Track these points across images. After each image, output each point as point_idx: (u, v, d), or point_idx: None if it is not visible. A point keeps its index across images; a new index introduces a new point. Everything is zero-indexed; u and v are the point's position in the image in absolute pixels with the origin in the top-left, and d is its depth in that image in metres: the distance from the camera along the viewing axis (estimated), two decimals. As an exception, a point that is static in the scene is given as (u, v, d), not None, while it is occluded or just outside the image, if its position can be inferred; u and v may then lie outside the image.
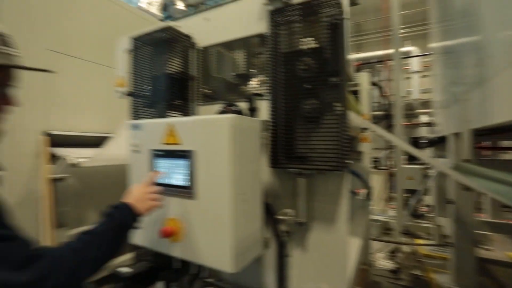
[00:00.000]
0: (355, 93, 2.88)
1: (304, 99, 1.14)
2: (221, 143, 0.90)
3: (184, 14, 6.12)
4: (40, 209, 2.64)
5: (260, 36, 1.34)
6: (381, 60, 6.60)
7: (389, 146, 5.01)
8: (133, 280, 1.36)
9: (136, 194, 0.94)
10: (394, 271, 3.40)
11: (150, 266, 1.43)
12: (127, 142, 2.53)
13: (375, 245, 3.76)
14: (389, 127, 3.89)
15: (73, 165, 2.61)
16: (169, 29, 1.37)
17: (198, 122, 0.96)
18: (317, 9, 1.11)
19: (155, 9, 6.30)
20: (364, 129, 2.64)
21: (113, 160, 2.85)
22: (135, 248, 1.58)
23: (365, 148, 2.85)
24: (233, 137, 0.90)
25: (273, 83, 1.21)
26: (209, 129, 0.93)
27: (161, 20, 5.97)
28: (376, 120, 4.07)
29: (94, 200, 3.09)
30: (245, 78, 1.43)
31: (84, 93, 3.08)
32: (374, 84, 3.81)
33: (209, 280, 1.43)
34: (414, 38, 7.57)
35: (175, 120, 1.00)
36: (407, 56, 6.71)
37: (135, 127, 1.10)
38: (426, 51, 6.29)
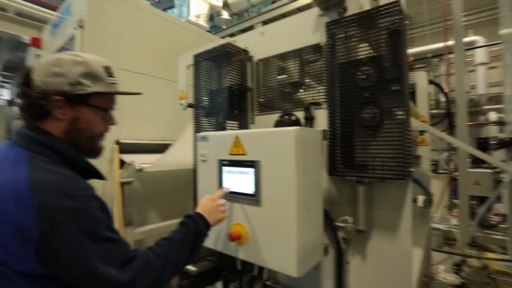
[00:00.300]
0: (410, 94, 2.72)
1: (363, 108, 1.14)
2: (286, 153, 0.96)
3: (229, 24, 6.37)
4: (113, 209, 3.00)
5: (316, 47, 1.37)
6: (438, 54, 6.06)
7: (450, 148, 4.58)
8: (198, 278, 1.48)
9: (208, 206, 1.03)
10: (459, 287, 3.10)
11: (213, 266, 1.54)
12: (185, 149, 2.73)
13: (436, 256, 3.46)
14: (450, 128, 3.56)
15: (139, 170, 2.92)
16: (227, 45, 1.47)
17: (263, 134, 1.03)
18: (376, 17, 1.11)
19: (202, 21, 6.69)
20: (422, 131, 2.48)
21: (172, 165, 3.12)
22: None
23: (423, 151, 2.67)
24: (297, 148, 0.94)
25: (330, 93, 1.23)
26: (274, 140, 0.99)
27: (208, 31, 6.28)
28: (435, 120, 3.76)
29: (155, 202, 3.41)
30: (300, 86, 1.47)
31: (148, 105, 3.42)
32: (431, 82, 3.54)
33: (268, 282, 1.49)
34: (476, 27, 6.80)
35: (241, 132, 1.09)
36: (471, 47, 6.03)
37: (203, 138, 1.21)
38: (493, 39, 5.61)
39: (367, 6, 1.27)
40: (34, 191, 0.66)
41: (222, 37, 6.12)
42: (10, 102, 8.16)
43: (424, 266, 2.23)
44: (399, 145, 1.07)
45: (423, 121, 2.62)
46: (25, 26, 4.83)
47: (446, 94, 3.87)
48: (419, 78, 2.65)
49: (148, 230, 3.13)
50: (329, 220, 1.29)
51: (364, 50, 1.15)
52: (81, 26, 2.86)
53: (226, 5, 6.39)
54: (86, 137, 0.85)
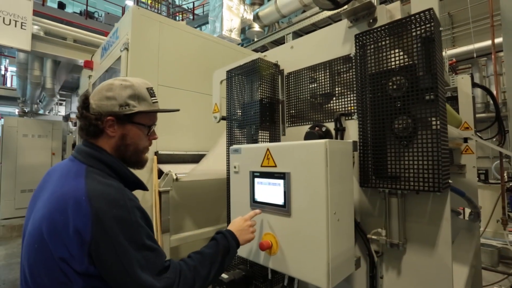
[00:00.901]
0: (452, 99, 2.56)
1: (395, 118, 1.12)
2: (315, 165, 0.98)
3: (260, 36, 6.51)
4: (151, 217, 3.19)
5: (346, 58, 1.38)
6: (485, 53, 5.60)
7: (503, 155, 4.15)
8: (230, 285, 1.52)
9: (239, 225, 1.09)
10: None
11: (244, 274, 1.57)
12: (218, 160, 2.83)
13: (489, 276, 3.13)
14: (501, 133, 3.25)
15: (175, 180, 3.08)
16: (258, 60, 1.55)
17: (293, 147, 1.06)
18: (408, 26, 1.10)
19: (234, 35, 6.95)
20: (466, 139, 2.31)
21: (206, 175, 3.25)
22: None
23: (468, 160, 2.48)
24: (327, 160, 0.96)
25: (361, 103, 1.23)
26: (304, 153, 1.02)
27: (240, 44, 6.47)
28: (484, 125, 3.45)
29: (190, 210, 3.56)
30: (330, 98, 1.48)
31: (184, 117, 3.64)
32: (475, 85, 3.28)
33: (299, 293, 1.49)
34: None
35: (272, 145, 1.13)
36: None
37: (236, 151, 1.28)
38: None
39: (398, 15, 1.26)
40: (90, 200, 0.76)
41: (254, 49, 6.30)
42: (66, 118, 9.14)
43: (472, 286, 2.04)
44: (434, 156, 1.03)
45: (467, 128, 2.44)
46: (80, 51, 5.45)
47: (494, 97, 3.55)
48: (462, 82, 2.49)
49: (184, 237, 3.28)
50: (361, 232, 1.26)
51: (395, 60, 1.14)
52: (126, 48, 3.17)
53: (257, 18, 6.57)
54: (132, 151, 0.96)
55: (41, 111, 8.68)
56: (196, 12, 10.92)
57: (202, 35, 3.92)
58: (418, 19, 1.07)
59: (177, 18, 11.56)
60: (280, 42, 6.04)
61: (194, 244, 3.54)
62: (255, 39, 6.86)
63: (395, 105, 1.13)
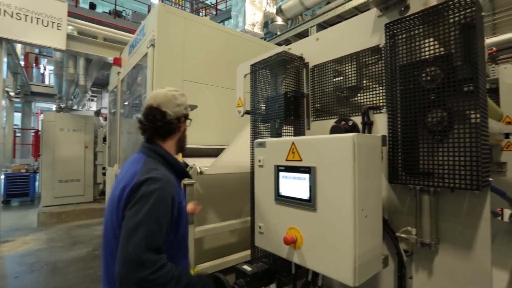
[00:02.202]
0: (492, 91, 2.37)
1: (428, 111, 1.06)
2: (343, 160, 0.95)
3: (283, 30, 6.41)
4: (177, 206, 3.28)
5: (375, 49, 1.32)
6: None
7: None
8: (253, 278, 1.54)
9: None
10: None
11: (267, 268, 1.58)
12: (240, 153, 2.85)
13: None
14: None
15: (199, 173, 3.16)
16: (283, 53, 1.52)
17: (320, 141, 1.04)
18: (445, 12, 1.03)
19: (257, 29, 6.90)
20: (508, 134, 2.14)
21: (229, 168, 3.29)
22: (252, 249, 1.79)
23: (510, 157, 2.30)
24: (354, 155, 0.93)
25: (391, 96, 1.18)
26: (331, 147, 1.00)
27: (262, 38, 6.43)
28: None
29: (213, 203, 3.63)
30: (357, 91, 1.43)
31: (208, 112, 3.70)
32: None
33: (322, 289, 1.47)
34: None
35: (297, 138, 1.12)
36: None
37: (261, 144, 1.28)
38: None
39: (433, 1, 1.18)
40: (139, 175, 1.01)
41: (277, 43, 6.23)
42: (97, 113, 9.65)
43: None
44: (473, 152, 0.96)
45: (509, 123, 2.26)
46: (109, 49, 5.69)
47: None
48: (504, 72, 2.30)
49: (207, 229, 3.36)
50: (389, 230, 1.22)
51: (429, 50, 1.07)
52: (152, 45, 3.26)
53: (280, 11, 6.48)
54: (184, 139, 1.29)
55: (75, 107, 9.24)
56: (219, 7, 10.98)
57: (225, 30, 3.94)
58: (457, 5, 0.99)
59: (200, 14, 11.70)
60: (303, 35, 5.91)
61: (217, 237, 3.62)
62: (278, 33, 6.77)
63: (429, 98, 1.07)
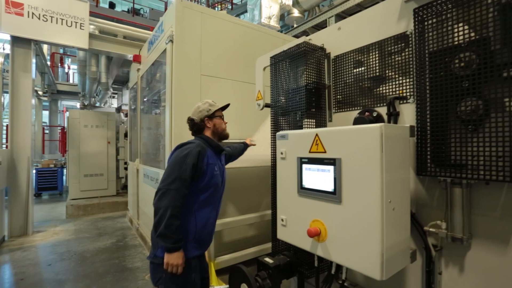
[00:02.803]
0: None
1: (461, 100, 1.01)
2: (370, 151, 0.93)
3: (299, 22, 6.26)
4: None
5: (401, 36, 1.27)
6: None
7: None
8: (275, 270, 1.55)
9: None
10: None
11: (289, 261, 1.58)
12: (260, 147, 2.84)
13: None
14: None
15: (219, 166, 3.18)
16: (303, 44, 1.49)
17: (345, 132, 1.02)
18: (479, -6, 0.96)
19: (273, 22, 6.82)
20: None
21: (247, 162, 3.31)
22: (273, 242, 1.80)
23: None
24: (382, 145, 0.90)
25: (420, 85, 1.13)
26: (357, 138, 0.97)
27: (279, 31, 6.33)
28: None
29: (232, 197, 3.67)
30: (381, 81, 1.38)
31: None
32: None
33: (345, 283, 1.46)
34: None
35: (321, 130, 1.09)
36: None
37: (283, 136, 1.27)
38: None
39: (466, -17, 1.11)
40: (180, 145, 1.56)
41: (294, 36, 6.13)
42: (118, 110, 9.96)
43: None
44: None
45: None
46: (129, 46, 5.83)
47: None
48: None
49: (227, 223, 3.40)
50: (416, 224, 1.18)
51: (463, 34, 1.01)
52: (171, 41, 3.30)
53: (296, 3, 6.36)
54: (219, 131, 1.70)
55: (97, 104, 9.58)
56: (234, 1, 10.93)
57: (242, 23, 3.92)
58: (496, -16, 0.93)
59: (216, 8, 11.72)
60: (321, 26, 5.77)
61: (235, 230, 3.67)
62: (295, 25, 6.66)
63: (462, 85, 1.01)
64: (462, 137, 1.02)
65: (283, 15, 6.84)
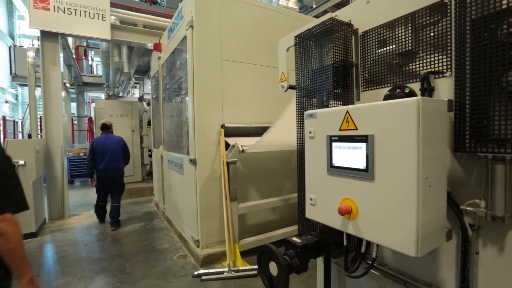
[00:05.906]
0: None
1: (508, 69, 0.94)
2: (405, 127, 0.89)
3: (318, 2, 6.06)
4: (220, 185, 3.43)
5: (436, 6, 1.19)
6: None
7: None
8: (303, 249, 1.57)
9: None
10: None
11: (316, 240, 1.60)
12: (282, 132, 2.83)
13: None
14: None
15: (241, 151, 3.23)
16: (330, 21, 1.44)
17: (378, 107, 0.98)
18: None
19: (292, 3, 6.61)
20: None
21: (270, 147, 3.32)
22: (300, 222, 1.81)
23: None
24: (419, 120, 0.87)
25: (459, 57, 1.06)
26: (391, 113, 0.94)
27: (298, 12, 6.13)
28: None
29: (254, 181, 3.71)
30: (413, 56, 1.31)
31: (248, 91, 3.70)
32: None
33: (374, 263, 1.45)
34: None
35: (352, 107, 1.07)
36: None
37: (311, 115, 1.25)
38: None
39: None
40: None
41: (314, 16, 5.91)
42: (140, 99, 10.24)
43: None
44: None
45: None
46: (149, 35, 5.91)
47: None
48: None
49: (250, 206, 3.47)
50: (452, 203, 1.14)
51: (510, -3, 0.93)
52: (191, 27, 3.30)
53: (316, -18, 6.10)
54: None
55: (120, 94, 9.89)
56: (250, -16, 10.68)
57: (261, 5, 3.83)
58: None
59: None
60: (342, 5, 5.53)
61: (258, 213, 3.74)
62: (313, 6, 6.42)
63: (509, 54, 0.94)
64: (506, 110, 0.96)
65: (302, -4, 6.61)
